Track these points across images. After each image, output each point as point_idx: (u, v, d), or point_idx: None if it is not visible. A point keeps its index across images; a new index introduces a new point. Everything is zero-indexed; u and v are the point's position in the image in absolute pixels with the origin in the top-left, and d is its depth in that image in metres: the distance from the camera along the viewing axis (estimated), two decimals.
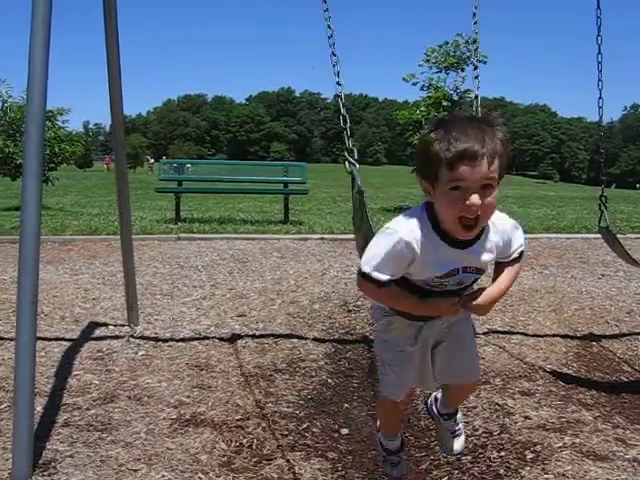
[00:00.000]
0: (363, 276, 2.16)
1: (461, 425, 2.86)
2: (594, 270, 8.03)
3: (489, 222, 2.14)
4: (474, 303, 2.21)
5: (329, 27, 3.43)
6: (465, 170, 1.92)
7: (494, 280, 2.30)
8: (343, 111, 3.20)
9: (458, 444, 2.83)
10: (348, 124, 3.17)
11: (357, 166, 2.99)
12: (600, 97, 4.60)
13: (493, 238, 2.19)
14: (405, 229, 2.10)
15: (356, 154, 3.02)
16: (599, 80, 4.57)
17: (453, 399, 2.72)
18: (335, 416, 3.74)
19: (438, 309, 2.24)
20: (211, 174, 15.12)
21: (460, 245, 2.10)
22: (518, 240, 2.32)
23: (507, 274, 2.31)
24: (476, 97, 3.68)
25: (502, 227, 2.24)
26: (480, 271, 2.22)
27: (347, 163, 3.00)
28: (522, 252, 2.34)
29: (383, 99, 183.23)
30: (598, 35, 4.50)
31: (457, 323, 2.40)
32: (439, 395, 2.78)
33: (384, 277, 2.12)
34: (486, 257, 2.20)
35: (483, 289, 2.25)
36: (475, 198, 1.94)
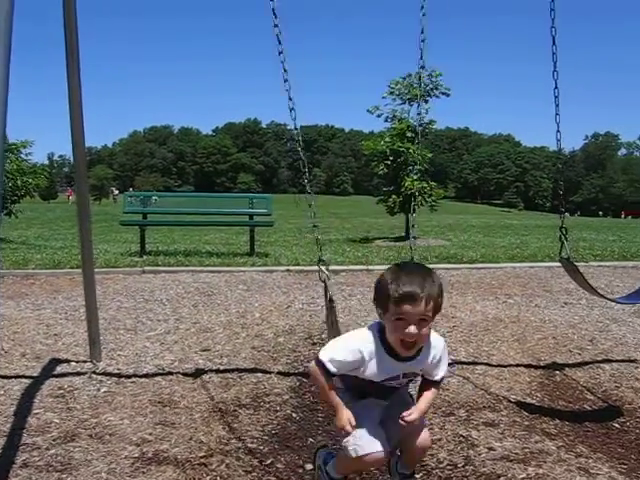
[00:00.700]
0: (318, 361, 2.77)
1: None
2: (557, 299, 8.12)
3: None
4: (410, 418, 2.76)
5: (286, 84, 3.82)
6: (407, 308, 2.55)
7: (420, 394, 2.93)
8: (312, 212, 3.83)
9: None
10: (319, 232, 3.83)
11: (330, 280, 3.61)
12: (558, 130, 4.66)
13: (428, 353, 2.81)
14: (363, 341, 2.75)
15: (326, 268, 3.61)
16: (556, 114, 4.65)
17: (409, 460, 3.08)
18: (300, 451, 3.70)
19: (339, 419, 2.77)
20: (177, 206, 15.09)
21: (402, 359, 2.73)
22: (444, 365, 2.94)
23: (432, 394, 2.93)
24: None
25: (435, 342, 2.84)
26: (415, 375, 2.89)
27: (320, 273, 3.59)
28: (442, 379, 2.96)
29: (349, 130, 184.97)
30: (554, 70, 4.58)
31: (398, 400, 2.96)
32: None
33: (332, 369, 2.72)
34: (421, 366, 2.83)
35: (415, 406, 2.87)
36: (412, 329, 2.57)
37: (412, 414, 2.76)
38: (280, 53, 3.76)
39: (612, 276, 10.10)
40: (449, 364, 3.22)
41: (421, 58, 4.27)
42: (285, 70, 3.71)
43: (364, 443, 2.74)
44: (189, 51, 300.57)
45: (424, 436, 2.93)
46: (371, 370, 2.74)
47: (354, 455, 2.74)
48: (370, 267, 10.89)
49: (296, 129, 3.82)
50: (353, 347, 2.73)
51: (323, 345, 5.55)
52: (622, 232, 22.64)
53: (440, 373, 2.90)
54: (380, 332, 2.74)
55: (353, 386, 2.89)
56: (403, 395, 3.01)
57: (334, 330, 3.55)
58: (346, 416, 2.74)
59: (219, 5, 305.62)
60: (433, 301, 2.58)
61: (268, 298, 8.02)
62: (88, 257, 5.20)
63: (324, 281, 3.58)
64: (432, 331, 2.75)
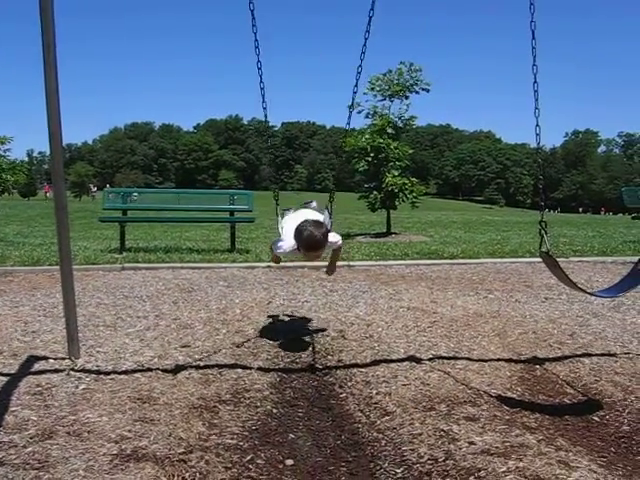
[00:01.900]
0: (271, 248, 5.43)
1: None
2: (538, 294, 8.15)
3: None
4: (330, 269, 5.76)
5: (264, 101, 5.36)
6: (311, 254, 4.91)
7: (332, 256, 5.75)
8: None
9: None
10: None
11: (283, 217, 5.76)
12: (537, 125, 4.67)
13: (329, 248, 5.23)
14: (287, 247, 5.08)
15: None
16: (536, 108, 4.65)
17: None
18: (280, 447, 3.69)
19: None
20: (157, 203, 14.97)
21: None
22: (336, 242, 5.32)
23: (335, 255, 5.76)
24: None
25: (331, 241, 5.05)
26: None
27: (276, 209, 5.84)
28: (340, 245, 5.49)
29: (330, 126, 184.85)
30: (534, 64, 4.59)
31: None
32: None
33: (276, 252, 5.33)
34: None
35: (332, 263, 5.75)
36: (313, 259, 5.14)
37: (329, 269, 5.77)
38: (256, 47, 3.88)
39: (592, 271, 10.16)
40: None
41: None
42: (259, 62, 3.96)
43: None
44: (170, 48, 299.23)
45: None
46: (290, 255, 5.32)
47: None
48: (351, 263, 10.88)
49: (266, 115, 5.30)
50: (281, 250, 5.18)
51: (303, 341, 5.65)
52: (602, 228, 22.79)
53: (337, 245, 5.40)
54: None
55: None
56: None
57: None
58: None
59: (201, 2, 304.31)
60: (324, 245, 4.88)
61: (249, 294, 7.99)
62: (66, 253, 5.14)
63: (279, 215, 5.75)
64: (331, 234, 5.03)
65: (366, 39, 4.86)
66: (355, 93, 5.02)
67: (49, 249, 12.05)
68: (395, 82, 17.43)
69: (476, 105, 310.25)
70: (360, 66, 4.90)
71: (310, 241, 4.76)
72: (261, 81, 4.65)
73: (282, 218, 5.61)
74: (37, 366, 5.02)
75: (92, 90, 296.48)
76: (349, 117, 5.30)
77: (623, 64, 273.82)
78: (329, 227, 5.06)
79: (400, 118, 17.96)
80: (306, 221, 4.90)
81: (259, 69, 4.58)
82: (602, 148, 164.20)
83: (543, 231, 4.70)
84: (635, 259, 5.27)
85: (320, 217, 5.28)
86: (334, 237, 5.19)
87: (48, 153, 5.05)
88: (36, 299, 7.57)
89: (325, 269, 5.90)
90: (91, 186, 78.07)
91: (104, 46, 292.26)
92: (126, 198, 13.71)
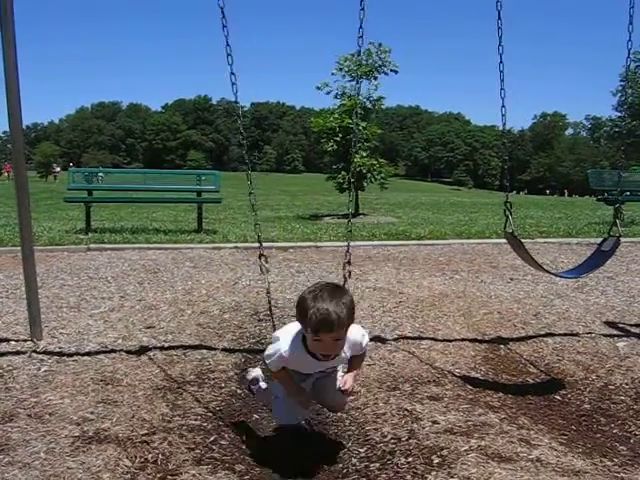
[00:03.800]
0: (267, 364, 3.34)
1: None
2: (503, 274, 8.21)
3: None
4: (347, 387, 3.30)
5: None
6: (323, 335, 2.96)
7: (350, 366, 3.41)
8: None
9: None
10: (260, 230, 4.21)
11: (268, 273, 3.96)
12: (503, 105, 4.68)
13: (346, 349, 3.21)
14: (285, 346, 3.18)
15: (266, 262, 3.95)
16: (501, 89, 4.66)
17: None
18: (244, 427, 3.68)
19: (300, 402, 3.35)
20: (123, 183, 14.82)
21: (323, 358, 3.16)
22: (364, 343, 3.34)
23: (358, 363, 3.43)
24: None
25: (353, 338, 3.22)
26: (335, 368, 3.43)
27: (260, 267, 3.91)
28: (365, 350, 3.43)
29: (300, 107, 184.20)
30: (499, 44, 4.59)
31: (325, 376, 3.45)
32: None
33: (275, 368, 3.27)
34: (341, 363, 3.39)
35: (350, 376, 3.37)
36: (329, 348, 3.06)
37: (347, 382, 3.31)
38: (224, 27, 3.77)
39: (557, 252, 10.25)
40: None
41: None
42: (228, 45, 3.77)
43: (282, 417, 3.49)
44: (137, 28, 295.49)
45: (341, 404, 3.50)
46: (296, 367, 3.30)
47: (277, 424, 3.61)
48: (319, 244, 10.89)
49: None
50: (279, 353, 3.18)
51: (268, 322, 5.59)
52: (568, 210, 23.02)
53: (362, 349, 3.36)
54: (304, 340, 3.16)
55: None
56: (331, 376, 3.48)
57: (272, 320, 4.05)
58: (304, 400, 3.37)
59: None
60: (345, 324, 2.99)
61: (215, 275, 7.95)
62: (27, 234, 5.07)
63: (264, 273, 3.93)
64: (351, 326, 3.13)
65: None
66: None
67: (13, 230, 11.86)
68: (364, 63, 17.39)
69: (446, 86, 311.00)
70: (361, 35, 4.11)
71: (323, 310, 2.92)
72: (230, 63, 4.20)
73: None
74: None
75: (59, 70, 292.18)
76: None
77: (592, 46, 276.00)
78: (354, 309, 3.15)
79: (369, 99, 17.96)
80: (318, 284, 3.17)
81: (228, 55, 4.20)
82: (570, 131, 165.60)
83: (508, 212, 4.73)
84: (599, 240, 5.33)
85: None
86: (359, 330, 3.35)
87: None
88: None
89: (332, 403, 3.53)
90: (54, 165, 76.60)
91: (69, 26, 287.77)
92: (91, 178, 13.55)
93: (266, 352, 3.31)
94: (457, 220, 16.82)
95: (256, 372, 3.83)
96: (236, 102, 4.04)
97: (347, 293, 3.15)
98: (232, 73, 4.01)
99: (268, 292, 3.93)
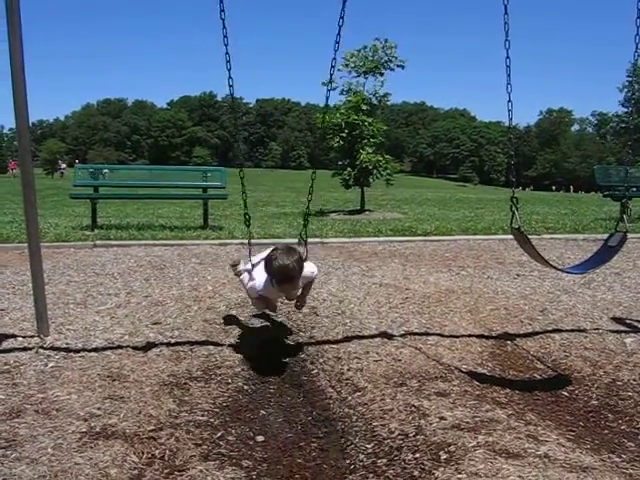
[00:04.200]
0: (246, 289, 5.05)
1: None
2: (510, 270, 8.19)
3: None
4: (300, 303, 4.95)
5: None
6: (285, 286, 4.43)
7: (303, 290, 4.88)
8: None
9: None
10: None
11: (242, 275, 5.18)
12: (509, 100, 4.66)
13: (300, 283, 4.63)
14: (260, 285, 4.63)
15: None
16: (508, 84, 4.64)
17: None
18: (251, 423, 3.69)
19: (269, 306, 4.96)
20: (129, 179, 14.81)
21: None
22: (313, 276, 4.85)
23: (307, 288, 4.94)
24: None
25: (305, 275, 4.53)
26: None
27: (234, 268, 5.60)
28: (313, 279, 4.94)
29: (305, 103, 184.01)
30: (506, 40, 4.57)
31: None
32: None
33: (253, 296, 4.92)
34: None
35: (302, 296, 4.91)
36: (289, 292, 4.65)
37: (300, 301, 4.90)
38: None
39: (564, 248, 10.22)
40: None
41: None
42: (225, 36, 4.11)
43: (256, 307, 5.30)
44: (144, 24, 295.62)
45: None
46: (267, 295, 4.71)
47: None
48: (325, 240, 10.87)
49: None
50: (255, 290, 4.72)
51: (274, 317, 5.62)
52: (574, 206, 22.96)
53: (310, 279, 4.84)
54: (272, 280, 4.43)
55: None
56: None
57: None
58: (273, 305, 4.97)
59: None
60: (299, 275, 4.39)
61: (221, 271, 7.94)
62: (34, 231, 5.07)
63: (237, 275, 5.40)
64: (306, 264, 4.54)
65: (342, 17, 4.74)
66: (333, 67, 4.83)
67: (19, 226, 11.87)
68: (370, 59, 17.36)
69: (451, 83, 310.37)
70: (337, 43, 4.71)
71: (282, 270, 4.22)
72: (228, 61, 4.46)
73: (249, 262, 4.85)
74: (5, 344, 4.96)
75: (65, 67, 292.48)
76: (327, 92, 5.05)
77: (598, 42, 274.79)
78: (304, 255, 4.56)
79: (374, 95, 17.94)
80: (276, 249, 4.42)
81: (226, 54, 4.43)
82: (576, 127, 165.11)
83: (514, 207, 4.71)
84: (606, 236, 5.31)
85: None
86: (310, 267, 4.68)
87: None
88: (5, 277, 7.48)
89: (295, 303, 4.93)
90: (60, 162, 76.70)
91: (76, 23, 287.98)
92: (97, 175, 13.56)
93: (248, 284, 4.85)
94: (463, 216, 16.78)
95: (242, 266, 5.18)
96: (232, 97, 4.23)
97: (297, 252, 4.41)
98: (229, 75, 4.36)
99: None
